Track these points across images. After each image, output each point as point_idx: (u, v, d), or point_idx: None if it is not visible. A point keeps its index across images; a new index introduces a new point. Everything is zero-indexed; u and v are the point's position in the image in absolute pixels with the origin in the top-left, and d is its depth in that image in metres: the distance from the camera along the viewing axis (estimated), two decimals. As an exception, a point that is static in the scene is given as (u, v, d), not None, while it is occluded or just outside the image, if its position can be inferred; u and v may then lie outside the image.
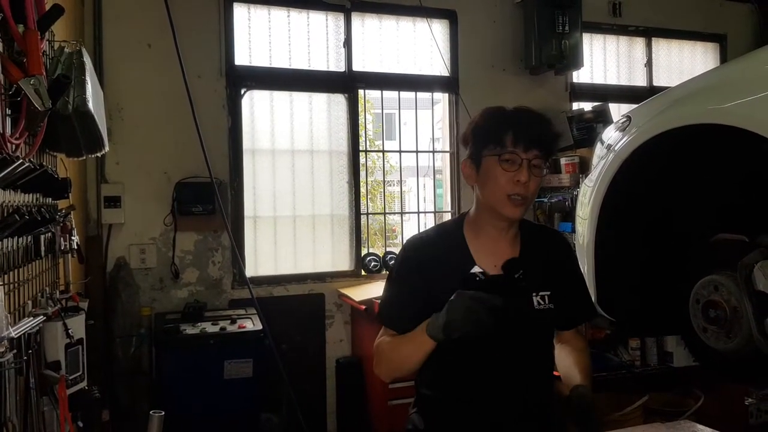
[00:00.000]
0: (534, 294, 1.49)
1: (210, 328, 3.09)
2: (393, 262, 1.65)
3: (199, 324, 3.13)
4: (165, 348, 3.05)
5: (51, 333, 1.70)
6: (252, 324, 3.17)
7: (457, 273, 1.48)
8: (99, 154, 2.04)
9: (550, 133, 1.49)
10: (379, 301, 1.81)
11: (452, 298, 1.37)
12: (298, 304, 3.77)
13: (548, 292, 1.50)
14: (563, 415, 1.46)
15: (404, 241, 1.68)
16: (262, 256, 3.84)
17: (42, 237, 1.76)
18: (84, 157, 1.98)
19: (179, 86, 3.11)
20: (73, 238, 2.15)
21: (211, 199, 3.43)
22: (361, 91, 4.09)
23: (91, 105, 1.81)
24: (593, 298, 1.86)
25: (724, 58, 5.02)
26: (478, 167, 1.49)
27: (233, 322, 3.18)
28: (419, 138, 4.24)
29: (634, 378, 3.36)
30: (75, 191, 2.59)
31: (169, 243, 3.53)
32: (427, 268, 1.49)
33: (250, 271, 3.64)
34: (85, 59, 1.90)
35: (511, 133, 1.43)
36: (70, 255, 2.20)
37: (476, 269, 1.49)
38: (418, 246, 1.58)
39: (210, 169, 3.20)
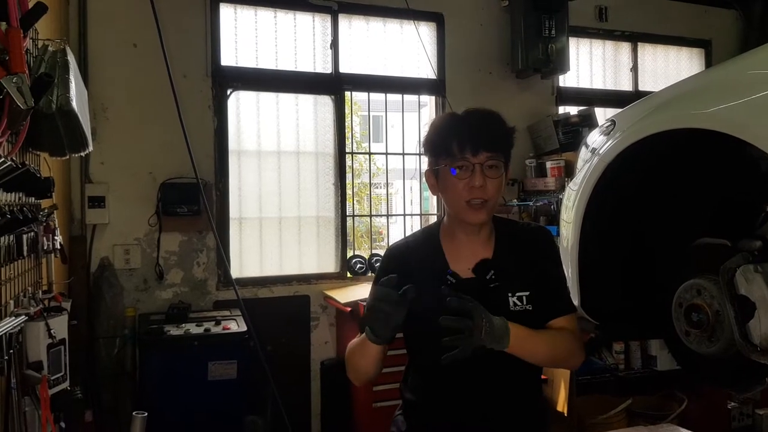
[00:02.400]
0: (510, 295, 1.47)
1: (194, 329, 3.06)
2: (378, 265, 1.65)
3: (183, 325, 3.11)
4: (149, 349, 3.02)
5: (33, 333, 1.69)
6: (237, 325, 3.15)
7: (432, 278, 1.48)
8: (83, 154, 2.01)
9: (498, 132, 1.48)
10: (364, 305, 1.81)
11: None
12: (284, 306, 3.76)
13: (526, 293, 1.48)
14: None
15: (389, 244, 1.68)
16: (248, 257, 3.82)
17: (24, 236, 1.74)
18: (67, 157, 1.96)
19: (165, 86, 3.08)
20: (56, 237, 2.13)
21: (197, 199, 3.41)
22: (347, 93, 4.09)
23: (74, 104, 1.80)
24: (577, 301, 1.87)
25: (709, 64, 5.08)
26: (437, 177, 1.50)
27: (218, 323, 3.16)
28: (406, 140, 4.25)
29: (618, 381, 3.39)
30: (58, 191, 2.56)
31: (154, 243, 3.50)
32: (406, 275, 1.49)
33: (235, 273, 3.62)
34: (69, 58, 1.88)
35: (456, 140, 1.43)
36: (53, 255, 2.18)
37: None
38: (397, 252, 1.59)
39: (195, 169, 3.17)
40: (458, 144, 1.43)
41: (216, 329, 3.09)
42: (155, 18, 2.80)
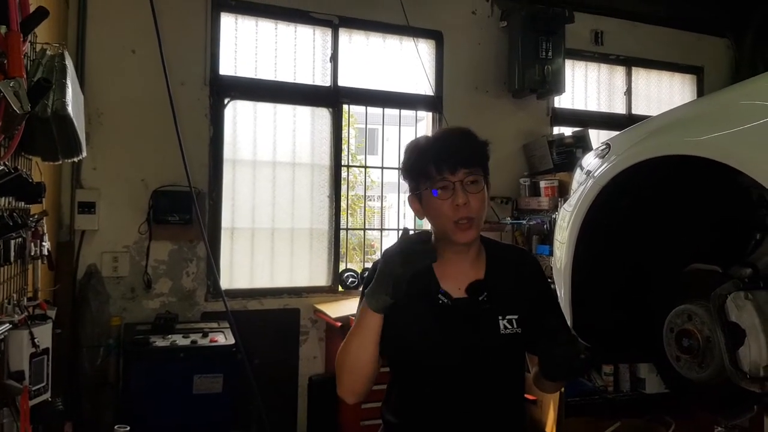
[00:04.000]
0: (500, 317, 1.46)
1: (181, 340, 3.03)
2: (366, 275, 1.62)
3: (169, 336, 3.07)
4: (133, 360, 2.98)
5: (16, 341, 1.66)
6: (224, 338, 3.12)
7: (422, 297, 1.47)
8: (76, 160, 2.00)
9: (471, 147, 1.48)
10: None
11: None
12: (273, 319, 3.73)
13: (515, 316, 1.47)
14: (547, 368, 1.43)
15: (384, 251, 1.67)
16: (238, 268, 3.79)
17: (12, 242, 1.71)
18: (60, 162, 1.94)
19: (162, 93, 3.08)
20: (44, 243, 2.10)
21: (189, 208, 3.39)
22: (345, 106, 4.10)
23: (70, 109, 1.78)
24: (569, 322, 1.86)
25: (701, 90, 5.16)
26: (421, 202, 1.50)
27: (205, 335, 3.12)
28: (402, 154, 4.25)
29: (607, 403, 3.39)
30: (48, 195, 2.54)
31: (143, 252, 3.47)
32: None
33: (224, 284, 3.59)
34: (67, 62, 1.88)
35: (432, 162, 1.44)
36: (40, 261, 2.15)
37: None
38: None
39: (189, 177, 3.16)
40: (435, 165, 1.43)
41: (203, 341, 3.05)
42: (155, 25, 2.81)
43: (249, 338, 3.27)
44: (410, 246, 1.36)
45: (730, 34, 5.18)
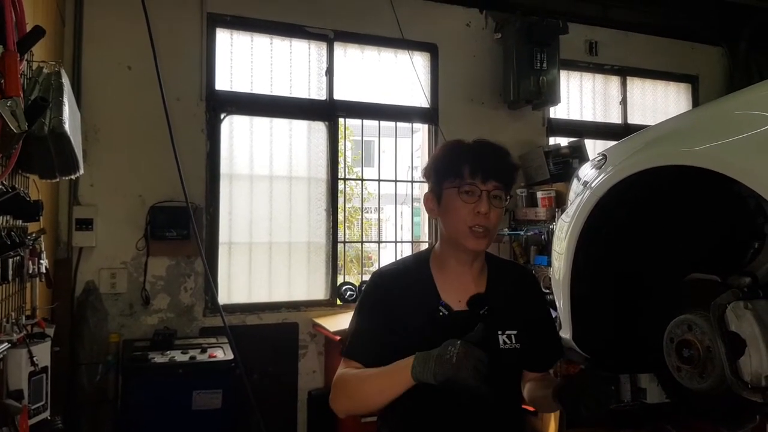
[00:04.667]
0: (500, 332, 1.47)
1: (179, 356, 3.01)
2: (361, 294, 1.62)
3: (168, 352, 3.05)
4: (132, 376, 2.97)
5: (15, 360, 1.65)
6: (223, 353, 3.11)
7: (422, 308, 1.47)
8: (73, 177, 2.00)
9: (507, 165, 1.51)
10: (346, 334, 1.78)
11: (452, 347, 1.30)
12: (272, 334, 3.71)
13: (514, 331, 1.48)
14: (566, 400, 1.41)
15: (378, 269, 1.66)
16: (236, 283, 3.78)
17: (10, 261, 1.71)
18: (57, 180, 1.94)
19: (158, 109, 3.08)
20: (41, 261, 2.10)
21: (186, 223, 3.39)
22: (341, 120, 4.11)
23: (67, 127, 1.79)
24: (569, 334, 1.86)
25: (695, 99, 5.19)
26: (440, 200, 1.50)
27: (204, 350, 3.11)
28: (398, 166, 4.27)
29: (608, 414, 3.36)
30: (46, 212, 2.53)
31: (141, 268, 3.46)
32: (393, 302, 1.47)
33: (223, 299, 3.58)
34: (63, 80, 1.88)
35: (468, 165, 1.45)
36: (38, 279, 2.14)
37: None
38: (384, 279, 1.56)
39: (186, 193, 3.15)
40: (470, 169, 1.45)
41: (202, 357, 3.04)
42: (151, 41, 2.82)
43: (248, 353, 3.25)
44: (480, 365, 1.29)
45: (724, 42, 5.22)
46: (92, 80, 3.42)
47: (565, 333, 1.90)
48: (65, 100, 1.83)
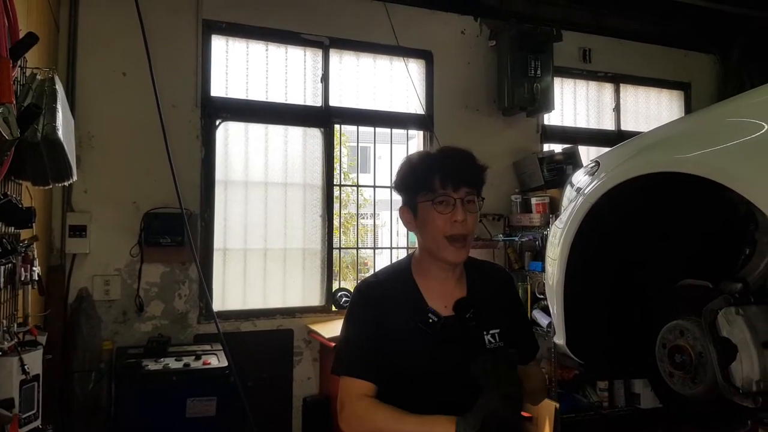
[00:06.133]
0: (485, 333, 1.51)
1: (173, 364, 3.00)
2: (348, 306, 1.62)
3: (162, 359, 3.04)
4: (125, 384, 2.95)
5: (6, 369, 1.63)
6: (217, 360, 3.09)
7: (411, 316, 1.49)
8: (66, 184, 1.99)
9: (475, 169, 1.52)
10: (335, 348, 1.77)
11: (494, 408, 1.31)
12: (266, 340, 3.70)
13: (497, 330, 1.53)
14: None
15: (359, 281, 1.67)
16: (231, 289, 3.77)
17: (2, 268, 1.70)
18: (50, 186, 1.93)
19: (153, 115, 3.08)
20: (34, 268, 2.08)
21: (181, 230, 3.38)
22: (337, 126, 4.12)
23: (60, 133, 1.78)
24: (563, 340, 1.87)
25: (688, 106, 5.22)
26: (415, 214, 1.52)
27: (198, 358, 3.09)
28: (394, 172, 4.26)
29: (602, 419, 3.38)
30: (39, 219, 2.52)
31: (135, 274, 3.45)
32: (382, 312, 1.49)
33: (217, 305, 3.57)
34: (57, 87, 1.88)
35: (438, 175, 1.47)
36: (30, 286, 2.12)
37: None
38: (371, 289, 1.57)
39: (180, 199, 3.15)
40: (440, 179, 1.47)
41: (196, 364, 3.02)
42: (146, 47, 2.82)
43: (242, 360, 3.24)
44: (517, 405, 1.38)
45: (717, 50, 5.26)
46: (87, 86, 3.41)
47: (559, 339, 1.91)
48: (58, 106, 1.82)
